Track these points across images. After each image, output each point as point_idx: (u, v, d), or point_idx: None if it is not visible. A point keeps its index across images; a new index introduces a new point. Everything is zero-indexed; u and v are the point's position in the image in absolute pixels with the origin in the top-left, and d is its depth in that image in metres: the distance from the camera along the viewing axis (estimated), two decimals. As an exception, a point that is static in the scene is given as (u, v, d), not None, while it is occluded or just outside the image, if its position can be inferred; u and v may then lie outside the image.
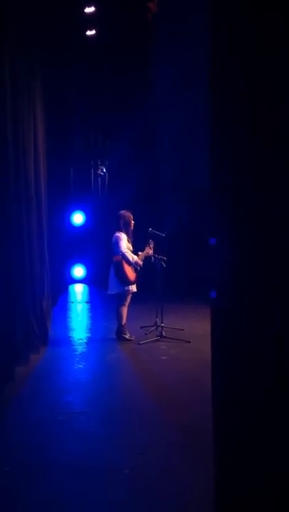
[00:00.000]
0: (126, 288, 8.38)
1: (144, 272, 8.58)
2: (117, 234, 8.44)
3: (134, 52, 13.92)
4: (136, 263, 8.35)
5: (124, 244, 8.35)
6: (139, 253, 8.50)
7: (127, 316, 8.58)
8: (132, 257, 8.35)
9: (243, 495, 2.71)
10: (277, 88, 2.49)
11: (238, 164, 2.68)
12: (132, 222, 8.55)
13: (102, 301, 11.53)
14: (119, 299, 8.51)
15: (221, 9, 2.76)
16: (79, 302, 12.68)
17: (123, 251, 8.28)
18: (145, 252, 8.54)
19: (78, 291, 14.45)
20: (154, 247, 8.62)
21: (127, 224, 8.52)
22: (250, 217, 2.64)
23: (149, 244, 8.60)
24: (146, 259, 8.59)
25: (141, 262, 8.40)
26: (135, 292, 8.55)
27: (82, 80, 14.08)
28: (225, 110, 2.73)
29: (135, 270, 8.40)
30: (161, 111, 14.59)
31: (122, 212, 8.63)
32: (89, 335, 9.10)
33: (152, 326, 8.82)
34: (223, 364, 2.85)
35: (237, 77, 2.63)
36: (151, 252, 8.58)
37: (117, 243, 8.36)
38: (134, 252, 8.51)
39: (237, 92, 2.64)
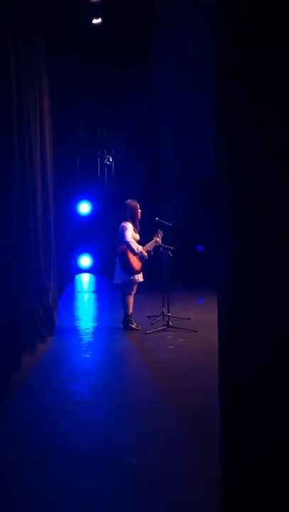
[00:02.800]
0: (131, 277, 8.37)
1: (150, 261, 8.57)
2: (123, 223, 8.42)
3: (137, 41, 13.87)
4: (141, 253, 8.34)
5: (130, 233, 8.33)
6: (145, 245, 8.47)
7: (134, 306, 8.58)
8: (137, 247, 8.33)
9: (250, 486, 2.71)
10: (272, 76, 2.47)
11: (238, 157, 2.66)
12: (139, 211, 8.53)
13: (109, 290, 11.54)
14: (125, 288, 8.51)
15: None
16: (85, 292, 12.69)
17: (128, 240, 8.27)
18: (153, 241, 8.52)
19: (85, 280, 14.47)
20: (162, 237, 8.60)
21: (134, 213, 8.50)
22: (250, 211, 2.63)
23: (157, 233, 8.59)
24: (155, 249, 8.57)
25: (146, 253, 8.38)
26: (142, 282, 8.54)
27: (87, 70, 14.02)
28: (230, 98, 2.70)
29: (141, 260, 8.39)
30: (164, 99, 14.53)
31: (129, 201, 8.61)
32: (95, 324, 9.12)
33: (159, 316, 8.82)
34: (230, 353, 2.84)
35: (242, 64, 2.61)
36: (159, 241, 8.56)
37: (122, 233, 8.35)
38: (141, 241, 8.49)
39: (242, 80, 2.62)
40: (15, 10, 6.76)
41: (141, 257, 8.36)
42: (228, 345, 2.85)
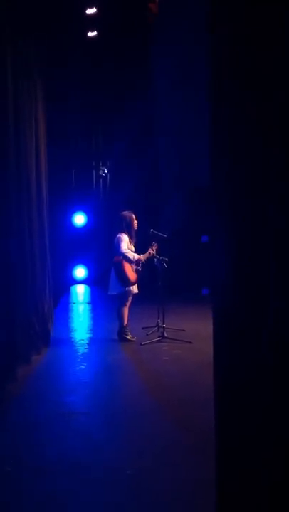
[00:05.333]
0: (126, 288, 8.38)
1: (145, 272, 8.58)
2: (119, 235, 8.44)
3: (133, 52, 13.93)
4: (138, 260, 8.34)
5: (125, 245, 8.35)
6: (141, 255, 8.50)
7: (129, 317, 8.58)
8: (133, 256, 8.34)
9: (245, 496, 2.70)
10: (272, 76, 2.48)
11: (238, 157, 2.67)
12: (135, 222, 8.55)
13: (104, 301, 11.52)
14: (120, 299, 8.51)
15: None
16: (80, 303, 12.68)
17: (123, 252, 8.28)
18: (147, 253, 8.54)
19: (80, 291, 14.45)
20: (157, 249, 8.62)
21: (130, 225, 8.51)
22: (249, 213, 2.64)
23: (152, 246, 8.61)
24: (149, 261, 8.59)
25: (143, 259, 8.39)
26: (137, 293, 8.55)
27: (83, 80, 14.08)
28: (226, 100, 2.71)
29: (136, 271, 8.40)
30: (160, 110, 14.58)
31: (125, 213, 8.63)
32: (90, 336, 9.10)
33: (154, 327, 8.82)
34: (225, 365, 2.84)
35: (238, 66, 2.62)
36: (153, 253, 8.58)
37: (118, 244, 8.37)
38: (137, 253, 8.50)
39: (238, 80, 2.63)
40: (12, 17, 6.80)
41: (137, 266, 8.36)
42: (227, 347, 2.84)
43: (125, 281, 8.32)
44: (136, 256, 8.38)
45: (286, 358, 2.50)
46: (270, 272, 2.54)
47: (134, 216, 8.58)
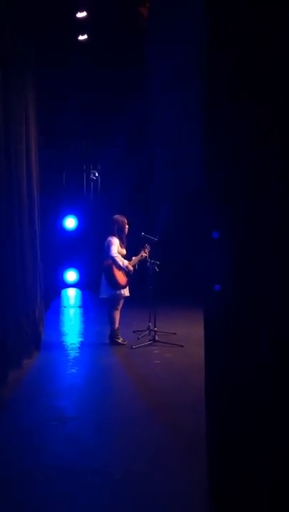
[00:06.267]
0: (117, 292, 8.37)
1: (136, 276, 8.57)
2: (109, 238, 8.43)
3: (126, 55, 13.91)
4: (126, 267, 8.34)
5: (115, 248, 8.33)
6: (133, 257, 8.50)
7: (120, 321, 8.56)
8: (122, 262, 8.33)
9: (237, 498, 2.71)
10: (271, 77, 2.48)
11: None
12: (127, 226, 8.54)
13: (95, 305, 11.50)
14: (111, 303, 8.50)
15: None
16: (72, 307, 12.65)
17: (113, 255, 8.27)
18: (139, 256, 8.54)
19: (71, 295, 14.42)
20: (149, 252, 8.61)
21: (121, 229, 8.51)
22: (243, 214, 2.64)
23: (144, 248, 8.60)
24: (142, 263, 8.58)
25: (131, 268, 8.39)
26: (128, 297, 8.54)
27: (75, 84, 14.07)
28: (220, 103, 2.71)
29: (127, 274, 8.39)
30: (153, 113, 14.58)
31: (117, 216, 8.62)
32: (82, 339, 9.08)
33: (145, 331, 8.81)
34: (222, 365, 2.84)
35: (232, 67, 2.62)
36: (145, 255, 8.57)
37: (108, 247, 8.36)
38: (128, 256, 8.50)
39: (233, 84, 2.63)
40: (3, 22, 6.79)
41: (126, 272, 8.36)
42: (224, 347, 2.83)
43: (115, 285, 8.31)
44: (125, 262, 8.36)
45: (286, 358, 2.51)
46: (270, 271, 2.54)
47: (126, 220, 8.57)
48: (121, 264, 8.30)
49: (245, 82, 2.63)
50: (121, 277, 8.33)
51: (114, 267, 8.27)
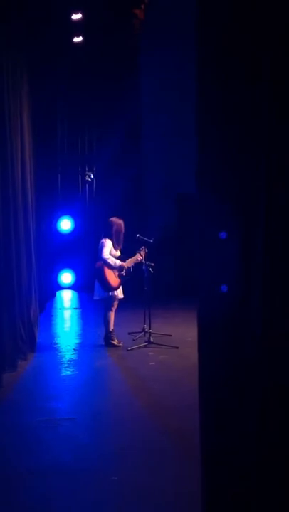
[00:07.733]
0: (110, 294, 8.36)
1: (131, 278, 8.57)
2: (103, 240, 8.42)
3: (121, 57, 13.93)
4: (120, 267, 8.32)
5: (107, 250, 8.32)
6: (128, 259, 8.48)
7: (115, 322, 8.56)
8: (115, 262, 8.30)
9: (231, 498, 2.71)
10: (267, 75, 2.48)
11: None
12: (123, 229, 8.53)
13: (90, 307, 11.50)
14: (105, 304, 8.50)
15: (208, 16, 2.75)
16: (67, 308, 12.64)
17: (104, 257, 8.26)
18: (135, 258, 8.53)
19: (66, 297, 14.41)
20: (145, 254, 8.60)
21: (118, 231, 8.49)
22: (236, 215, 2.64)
23: (140, 250, 8.60)
24: (137, 265, 8.57)
25: (126, 266, 8.36)
26: (122, 298, 8.54)
27: (70, 86, 14.08)
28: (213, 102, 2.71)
29: (120, 276, 8.37)
30: (147, 115, 14.59)
31: (114, 219, 8.60)
32: (77, 341, 9.08)
33: (140, 332, 8.81)
34: (210, 369, 2.84)
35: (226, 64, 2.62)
36: (140, 258, 8.56)
37: (100, 249, 8.36)
38: (122, 259, 8.48)
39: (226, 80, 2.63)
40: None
41: (120, 272, 8.33)
42: (208, 362, 2.84)
43: (106, 287, 8.30)
44: (118, 262, 8.34)
45: (277, 361, 2.51)
46: (265, 272, 2.55)
47: (122, 223, 8.55)
48: (113, 264, 8.28)
49: (239, 82, 2.63)
50: (113, 279, 8.32)
51: (105, 269, 8.26)
